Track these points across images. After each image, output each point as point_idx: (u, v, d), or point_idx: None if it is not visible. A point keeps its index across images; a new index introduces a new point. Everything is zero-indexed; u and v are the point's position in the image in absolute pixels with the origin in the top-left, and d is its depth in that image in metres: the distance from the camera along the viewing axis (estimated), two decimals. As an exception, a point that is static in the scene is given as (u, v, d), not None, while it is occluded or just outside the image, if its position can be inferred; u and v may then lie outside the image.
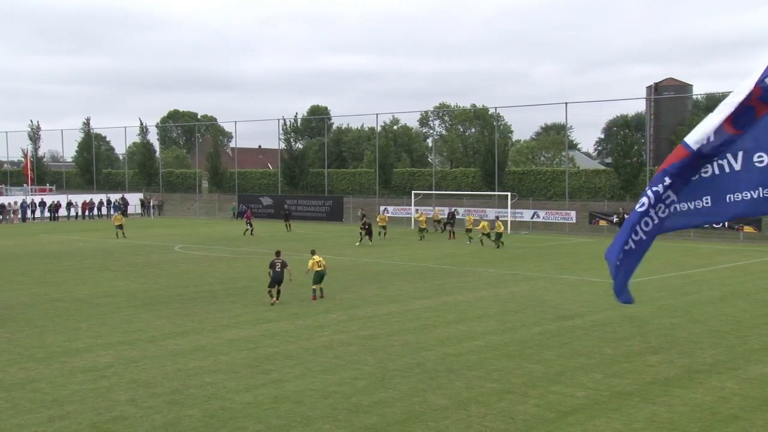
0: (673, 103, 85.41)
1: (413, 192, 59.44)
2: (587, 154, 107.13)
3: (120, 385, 14.54)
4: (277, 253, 24.01)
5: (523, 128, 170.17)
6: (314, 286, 24.14)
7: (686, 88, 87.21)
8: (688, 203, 7.08)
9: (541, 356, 16.90)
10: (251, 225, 49.57)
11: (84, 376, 15.26)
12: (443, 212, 52.29)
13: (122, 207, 74.16)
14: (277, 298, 23.10)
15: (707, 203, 7.03)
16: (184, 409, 13.10)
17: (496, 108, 75.89)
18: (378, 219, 47.92)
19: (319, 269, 24.05)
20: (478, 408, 13.16)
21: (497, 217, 43.06)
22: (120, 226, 48.14)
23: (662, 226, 7.19)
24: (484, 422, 12.43)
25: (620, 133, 59.45)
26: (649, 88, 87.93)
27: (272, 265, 23.37)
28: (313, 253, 24.84)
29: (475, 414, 12.84)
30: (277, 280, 23.15)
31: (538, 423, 12.43)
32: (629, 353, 17.20)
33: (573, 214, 53.17)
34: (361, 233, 42.26)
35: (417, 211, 45.86)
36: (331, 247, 40.17)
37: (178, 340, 18.44)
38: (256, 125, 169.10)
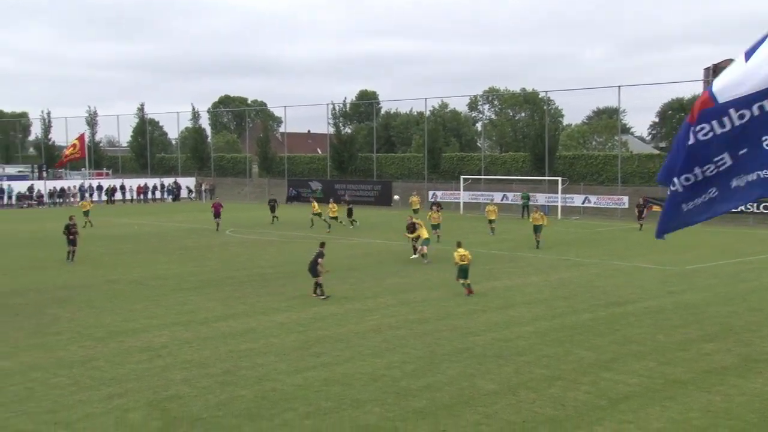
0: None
1: (462, 177, 59.14)
2: (641, 138, 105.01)
3: (174, 365, 14.87)
4: (321, 244, 23.12)
5: (574, 112, 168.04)
6: (462, 281, 22.48)
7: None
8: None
9: (591, 343, 16.74)
10: (219, 217, 42.79)
11: (140, 355, 15.65)
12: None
13: (175, 192, 75.54)
14: (314, 293, 21.92)
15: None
16: (237, 389, 13.33)
17: (546, 92, 75.06)
18: (329, 207, 43.37)
19: (462, 263, 22.37)
20: (527, 393, 13.11)
21: (537, 209, 37.14)
22: (87, 213, 45.24)
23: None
24: (533, 408, 12.37)
25: (676, 117, 58.13)
26: (706, 69, 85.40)
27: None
28: (458, 245, 23.09)
29: (524, 399, 12.79)
30: (309, 270, 22.26)
31: (589, 410, 12.32)
32: (684, 341, 16.91)
33: (625, 199, 52.27)
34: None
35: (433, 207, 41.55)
36: (379, 231, 40.28)
37: (229, 322, 18.75)
38: (305, 110, 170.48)
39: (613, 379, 13.99)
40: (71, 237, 29.97)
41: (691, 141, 6.91)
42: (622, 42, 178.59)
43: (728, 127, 6.79)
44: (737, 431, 11.47)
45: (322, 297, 21.60)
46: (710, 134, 6.85)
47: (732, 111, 6.74)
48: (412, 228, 30.68)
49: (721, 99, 6.73)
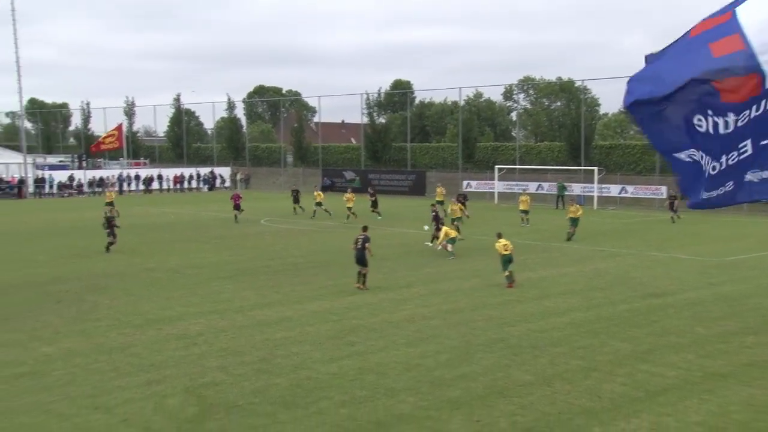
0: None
1: (497, 166, 58.80)
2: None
3: (211, 353, 15.05)
4: (364, 228, 22.66)
5: (610, 101, 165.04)
6: (507, 272, 22.15)
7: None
8: None
9: (628, 334, 16.56)
10: (238, 208, 42.12)
11: (177, 342, 15.87)
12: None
13: (211, 181, 76.27)
14: (363, 284, 21.47)
15: None
16: (272, 377, 13.46)
17: (582, 80, 74.08)
18: (315, 195, 43.60)
19: (506, 252, 22.04)
20: (562, 385, 13.03)
21: (572, 201, 35.74)
22: (111, 203, 43.76)
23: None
24: (569, 399, 12.29)
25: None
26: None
27: (355, 242, 21.96)
28: (499, 236, 22.88)
29: (559, 391, 12.71)
30: (357, 258, 21.61)
31: (625, 402, 12.21)
32: (724, 333, 16.65)
33: (663, 189, 51.49)
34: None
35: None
36: (412, 221, 40.22)
37: (264, 311, 18.92)
38: (339, 100, 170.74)
39: (651, 371, 13.84)
40: (109, 230, 29.92)
41: (731, 129, 6.69)
42: (660, 29, 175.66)
43: (762, 110, 6.56)
44: (778, 425, 11.28)
45: (362, 287, 21.42)
46: (746, 119, 6.64)
47: None
48: (435, 220, 30.65)
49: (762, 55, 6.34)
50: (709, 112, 6.68)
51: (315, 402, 12.17)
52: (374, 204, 43.61)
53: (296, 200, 46.53)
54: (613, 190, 54.21)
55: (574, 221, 33.11)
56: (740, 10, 6.56)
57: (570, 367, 14.12)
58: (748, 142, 6.72)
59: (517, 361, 14.45)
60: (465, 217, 37.45)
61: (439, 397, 12.43)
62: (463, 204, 38.60)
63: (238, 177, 76.92)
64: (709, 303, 19.89)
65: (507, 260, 22.16)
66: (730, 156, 6.85)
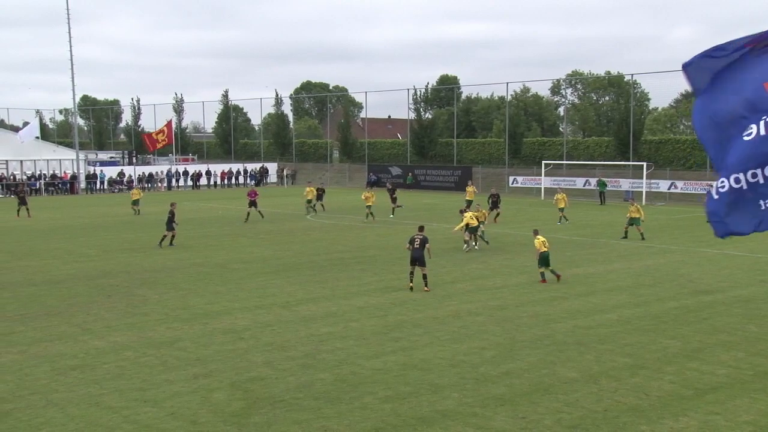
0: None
1: (543, 162, 58.24)
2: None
3: (257, 348, 15.23)
4: (420, 228, 21.74)
5: (660, 95, 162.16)
6: (541, 269, 22.15)
7: None
8: None
9: (677, 332, 16.27)
10: (254, 205, 40.17)
11: (224, 337, 16.09)
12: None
13: (258, 177, 77.07)
14: (425, 285, 20.75)
15: None
16: (317, 372, 13.56)
17: (632, 75, 72.85)
18: (306, 191, 42.67)
19: (544, 250, 21.96)
20: (609, 382, 12.87)
21: (633, 199, 34.49)
22: (136, 202, 45.08)
23: None
24: (615, 397, 12.14)
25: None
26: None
27: (411, 241, 21.10)
28: (535, 233, 22.82)
29: (606, 388, 12.56)
30: (415, 258, 20.83)
31: (673, 400, 12.01)
32: (775, 332, 16.25)
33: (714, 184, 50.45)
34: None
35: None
36: (458, 217, 40.01)
37: (310, 306, 19.06)
38: (385, 95, 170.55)
39: (700, 369, 13.59)
40: (173, 224, 30.45)
41: None
42: (711, 22, 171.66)
43: None
44: (833, 427, 10.97)
45: (426, 289, 20.67)
46: None
47: None
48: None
49: None
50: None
51: (359, 397, 12.24)
52: (393, 199, 42.97)
53: (320, 197, 44.79)
54: (663, 185, 53.28)
55: (635, 221, 31.41)
56: None
57: (617, 364, 13.94)
58: None
59: (562, 358, 14.32)
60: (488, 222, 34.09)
61: (483, 393, 12.38)
62: (496, 204, 38.35)
63: (285, 173, 77.55)
64: (761, 300, 19.42)
65: (544, 258, 22.01)
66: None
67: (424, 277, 20.90)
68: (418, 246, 20.84)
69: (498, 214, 38.49)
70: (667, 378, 13.10)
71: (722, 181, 7.32)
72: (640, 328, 16.58)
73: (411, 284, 20.97)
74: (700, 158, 56.98)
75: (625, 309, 18.54)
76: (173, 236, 30.58)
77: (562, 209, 38.55)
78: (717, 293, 20.40)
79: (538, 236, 22.47)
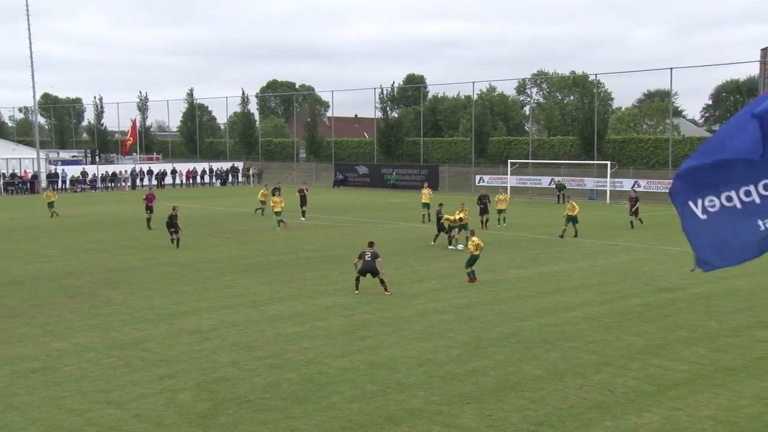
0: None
1: (509, 161, 58.68)
2: (693, 121, 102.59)
3: (223, 348, 15.11)
4: (370, 244, 20.88)
5: (624, 95, 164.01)
6: (468, 269, 22.06)
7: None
8: None
9: (640, 328, 16.50)
10: (152, 210, 36.17)
11: (190, 337, 15.94)
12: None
13: (224, 176, 76.46)
14: (386, 290, 20.08)
15: None
16: (284, 372, 13.50)
17: (596, 74, 73.66)
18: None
19: (476, 253, 21.71)
20: (574, 379, 13.00)
21: (569, 198, 33.34)
22: (51, 204, 42.65)
23: None
24: (580, 393, 12.27)
25: (730, 99, 56.69)
26: (763, 50, 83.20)
27: (361, 256, 20.49)
28: (472, 233, 22.99)
29: (571, 385, 12.69)
30: (366, 270, 20.16)
31: (637, 396, 12.17)
32: (736, 327, 16.57)
33: (677, 183, 51.25)
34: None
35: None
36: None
37: (277, 306, 18.97)
38: (352, 94, 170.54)
39: (662, 365, 13.79)
40: (173, 229, 29.41)
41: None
42: (673, 23, 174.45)
43: None
44: (791, 420, 11.22)
45: (387, 293, 20.05)
46: None
47: None
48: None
49: None
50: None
51: (326, 397, 12.21)
52: (303, 201, 40.20)
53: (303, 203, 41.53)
54: (626, 184, 53.98)
55: (571, 219, 31.50)
56: None
57: (582, 361, 14.09)
58: None
59: (528, 356, 14.43)
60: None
61: (450, 391, 12.43)
62: (485, 208, 35.28)
63: (251, 172, 77.10)
64: (721, 297, 19.78)
65: (474, 259, 21.83)
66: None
67: (382, 282, 20.17)
68: (369, 259, 20.13)
69: (487, 220, 35.42)
70: (631, 374, 13.27)
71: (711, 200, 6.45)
72: (605, 326, 16.78)
73: (357, 291, 20.22)
74: (663, 157, 57.87)
75: (590, 306, 18.75)
76: (177, 240, 29.57)
77: (501, 210, 36.75)
78: (679, 290, 20.73)
79: (473, 238, 22.20)
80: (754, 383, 12.77)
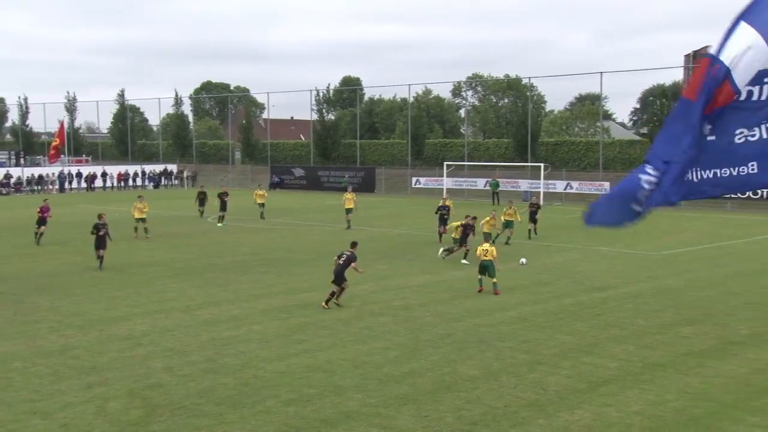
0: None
1: (445, 163, 59.20)
2: (622, 125, 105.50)
3: (156, 353, 14.81)
4: (353, 245, 19.51)
5: (556, 98, 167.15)
6: (480, 276, 21.04)
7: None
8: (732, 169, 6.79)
9: (573, 327, 16.85)
10: (44, 223, 31.71)
11: (121, 343, 15.56)
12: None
13: (157, 179, 74.99)
14: (337, 299, 18.86)
15: (753, 170, 6.74)
16: (219, 377, 13.30)
17: (529, 78, 74.97)
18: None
19: (485, 258, 20.80)
20: (509, 378, 13.19)
21: (511, 202, 31.83)
22: None
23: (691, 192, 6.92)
24: (515, 392, 12.45)
25: (657, 103, 58.48)
26: (687, 56, 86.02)
27: (339, 256, 19.09)
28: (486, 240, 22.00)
29: (506, 384, 12.86)
30: (335, 277, 18.83)
31: (569, 393, 12.43)
32: (662, 325, 17.08)
33: (606, 185, 52.53)
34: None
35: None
36: (363, 218, 40.22)
37: (211, 310, 18.69)
38: (288, 96, 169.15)
39: (594, 363, 14.11)
40: (101, 236, 25.03)
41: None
42: (603, 28, 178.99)
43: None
44: (713, 412, 11.62)
45: (337, 302, 18.92)
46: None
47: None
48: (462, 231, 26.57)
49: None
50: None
51: (262, 401, 12.08)
52: (223, 206, 38.42)
53: (201, 203, 41.76)
54: (559, 186, 55.14)
55: (508, 224, 30.29)
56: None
57: (516, 360, 14.30)
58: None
59: (463, 356, 14.57)
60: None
61: (387, 393, 12.46)
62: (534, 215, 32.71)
63: (185, 174, 75.85)
64: (649, 296, 20.36)
65: (485, 266, 20.92)
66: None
67: (340, 292, 18.95)
68: (341, 262, 18.77)
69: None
70: (563, 373, 13.54)
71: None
72: (539, 325, 17.08)
73: (324, 305, 18.75)
74: (594, 159, 59.27)
75: (524, 306, 19.05)
76: (101, 257, 25.16)
77: (349, 210, 35.67)
78: (609, 290, 21.25)
79: (484, 244, 21.34)
80: (680, 378, 13.19)
